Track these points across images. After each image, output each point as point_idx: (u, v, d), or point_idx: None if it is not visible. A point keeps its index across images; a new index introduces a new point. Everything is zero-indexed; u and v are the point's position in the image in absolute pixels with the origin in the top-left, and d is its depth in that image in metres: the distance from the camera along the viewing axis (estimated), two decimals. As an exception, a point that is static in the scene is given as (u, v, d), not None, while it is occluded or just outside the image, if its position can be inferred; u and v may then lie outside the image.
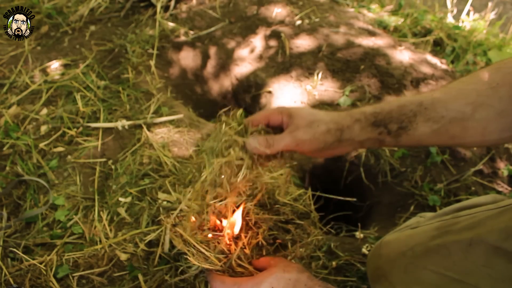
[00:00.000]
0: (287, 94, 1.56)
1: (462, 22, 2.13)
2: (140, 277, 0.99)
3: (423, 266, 0.73)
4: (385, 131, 0.71)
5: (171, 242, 1.03)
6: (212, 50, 1.79)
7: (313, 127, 0.70)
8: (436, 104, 0.69)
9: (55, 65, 1.62)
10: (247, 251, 0.84)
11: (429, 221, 0.82)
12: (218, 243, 0.84)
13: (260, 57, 1.72)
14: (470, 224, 0.70)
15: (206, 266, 0.81)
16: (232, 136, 0.72)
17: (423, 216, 0.97)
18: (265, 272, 0.76)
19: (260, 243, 0.85)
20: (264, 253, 0.86)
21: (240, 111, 0.78)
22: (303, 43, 1.69)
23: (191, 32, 1.80)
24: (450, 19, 2.16)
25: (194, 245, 0.83)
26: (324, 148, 0.72)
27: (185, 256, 0.85)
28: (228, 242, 0.84)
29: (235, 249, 0.82)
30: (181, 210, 0.95)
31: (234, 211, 0.84)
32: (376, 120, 0.71)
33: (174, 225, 0.88)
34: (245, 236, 0.84)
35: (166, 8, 1.87)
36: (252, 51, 1.75)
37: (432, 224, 0.80)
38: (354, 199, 1.22)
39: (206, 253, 0.82)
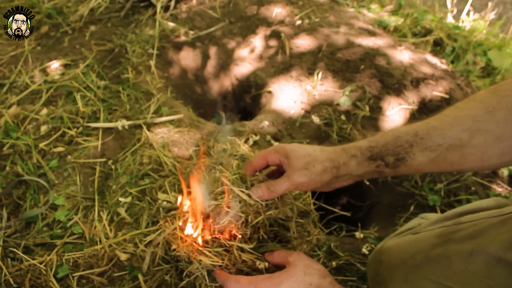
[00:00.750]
0: (287, 94, 1.56)
1: (462, 22, 2.13)
2: (140, 277, 0.99)
3: (423, 276, 0.72)
4: (383, 164, 0.71)
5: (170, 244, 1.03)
6: (212, 50, 1.79)
7: (309, 169, 0.72)
8: (432, 133, 0.68)
9: (55, 65, 1.62)
10: (248, 245, 0.83)
11: (431, 227, 0.81)
12: (218, 238, 0.84)
13: (260, 57, 1.72)
14: (472, 233, 0.68)
15: (210, 262, 0.81)
16: (228, 186, 0.77)
17: (424, 217, 0.96)
18: (284, 272, 0.73)
19: (261, 237, 0.85)
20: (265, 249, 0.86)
21: (236, 162, 0.85)
22: (303, 43, 1.69)
23: (191, 32, 1.80)
24: (450, 19, 2.16)
25: (194, 246, 0.83)
26: (322, 186, 0.75)
27: (186, 259, 0.85)
28: (227, 237, 0.84)
29: (234, 243, 0.82)
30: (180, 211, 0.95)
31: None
32: (372, 154, 0.71)
33: (174, 229, 0.88)
34: (245, 230, 0.84)
35: (166, 8, 1.87)
36: (252, 51, 1.75)
37: (433, 230, 0.79)
38: (349, 214, 1.23)
39: (207, 252, 0.82)
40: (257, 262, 0.80)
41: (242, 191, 0.77)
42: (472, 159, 0.67)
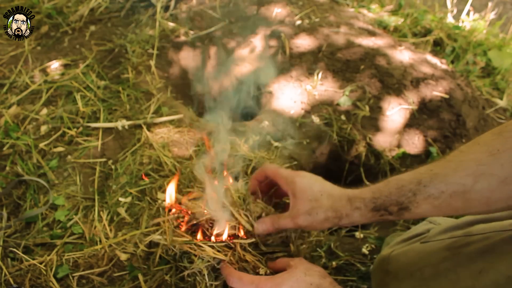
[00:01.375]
0: (287, 94, 1.56)
1: (462, 22, 2.13)
2: (140, 277, 0.99)
3: None
4: (386, 213, 0.72)
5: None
6: (212, 50, 1.79)
7: (312, 215, 0.75)
8: (435, 180, 0.67)
9: (55, 65, 1.62)
10: (249, 240, 0.84)
11: (440, 236, 0.80)
12: (218, 236, 0.85)
13: (260, 57, 1.72)
14: (483, 248, 0.68)
15: (213, 255, 0.81)
16: (237, 218, 0.84)
17: (432, 222, 0.95)
18: (285, 273, 0.74)
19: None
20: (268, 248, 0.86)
21: (242, 183, 0.90)
22: (303, 43, 1.69)
23: (191, 32, 1.80)
24: (450, 19, 2.16)
25: (196, 243, 0.83)
26: (322, 230, 0.80)
27: (188, 255, 0.86)
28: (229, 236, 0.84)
29: (236, 242, 0.83)
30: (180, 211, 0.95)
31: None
32: (375, 206, 0.72)
33: (175, 227, 0.88)
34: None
35: (166, 8, 1.87)
36: (252, 51, 1.75)
37: (443, 241, 0.78)
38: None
39: (209, 248, 0.82)
40: (259, 268, 0.81)
41: (247, 220, 0.83)
42: (477, 205, 0.65)
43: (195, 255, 0.83)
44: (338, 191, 0.76)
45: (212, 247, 0.82)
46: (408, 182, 0.70)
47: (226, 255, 0.82)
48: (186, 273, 0.86)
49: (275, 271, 0.81)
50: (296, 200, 0.77)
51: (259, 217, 0.84)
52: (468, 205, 0.66)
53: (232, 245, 0.83)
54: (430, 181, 0.68)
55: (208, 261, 0.82)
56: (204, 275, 0.84)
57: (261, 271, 0.81)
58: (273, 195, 0.91)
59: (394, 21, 1.97)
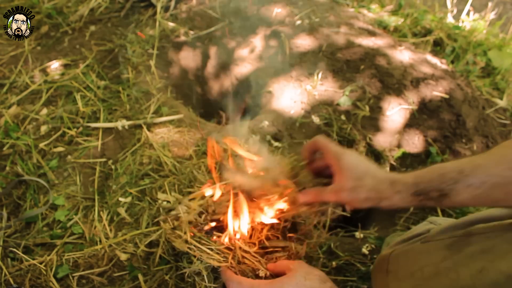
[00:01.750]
0: (287, 94, 1.56)
1: (462, 22, 2.13)
2: (140, 277, 0.99)
3: None
4: (426, 198, 0.73)
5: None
6: (212, 50, 1.79)
7: (354, 192, 0.77)
8: (476, 170, 0.69)
9: (55, 65, 1.62)
10: (251, 248, 0.84)
11: (440, 236, 0.81)
12: (219, 237, 0.85)
13: (260, 57, 1.72)
14: (483, 247, 0.68)
15: (211, 262, 0.81)
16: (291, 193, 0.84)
17: (433, 222, 0.95)
18: (285, 277, 0.75)
19: (262, 241, 0.86)
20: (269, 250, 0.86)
21: (295, 157, 0.91)
22: (303, 43, 1.69)
23: (191, 32, 1.80)
24: (450, 19, 2.15)
25: (195, 245, 0.83)
26: (362, 208, 0.80)
27: (188, 256, 0.85)
28: (231, 237, 0.84)
29: (237, 244, 0.83)
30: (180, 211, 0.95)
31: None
32: (416, 191, 0.73)
33: (174, 228, 0.88)
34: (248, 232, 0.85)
35: (166, 8, 1.87)
36: (252, 51, 1.75)
37: (443, 240, 0.78)
38: (348, 214, 1.24)
39: (209, 251, 0.82)
40: (259, 270, 0.81)
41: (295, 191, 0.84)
42: None
43: (194, 256, 0.83)
44: (381, 173, 0.78)
45: (211, 249, 0.82)
46: (450, 170, 0.71)
47: (225, 257, 0.82)
48: (186, 271, 0.86)
49: (275, 274, 0.81)
50: (341, 176, 0.78)
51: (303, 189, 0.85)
52: (508, 197, 0.68)
53: (232, 247, 0.83)
54: (472, 171, 0.69)
55: (207, 263, 0.82)
56: (203, 276, 0.84)
57: (261, 273, 0.81)
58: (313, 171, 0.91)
59: (394, 21, 1.97)
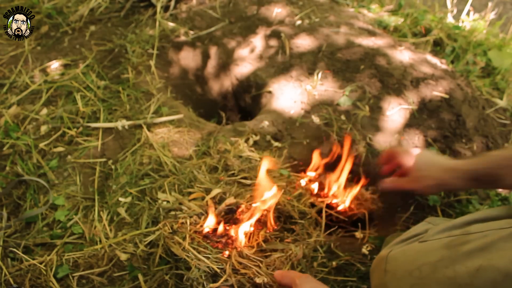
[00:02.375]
0: (287, 94, 1.56)
1: (462, 22, 2.13)
2: (140, 277, 0.99)
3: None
4: (482, 182, 0.90)
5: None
6: (212, 50, 1.79)
7: (422, 181, 1.00)
8: None
9: (55, 65, 1.62)
10: (250, 251, 0.83)
11: (438, 235, 0.81)
12: (217, 242, 0.84)
13: (260, 57, 1.72)
14: (481, 245, 0.69)
15: (210, 265, 0.81)
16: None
17: (431, 222, 0.95)
18: None
19: (260, 243, 0.86)
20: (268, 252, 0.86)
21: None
22: (303, 43, 1.69)
23: (191, 32, 1.80)
24: (450, 19, 2.15)
25: (193, 253, 0.82)
26: (430, 193, 1.14)
27: (186, 260, 0.85)
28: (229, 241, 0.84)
29: (234, 248, 0.82)
30: (180, 211, 0.95)
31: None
32: (476, 176, 0.89)
33: (172, 232, 0.88)
34: (246, 236, 0.85)
35: (166, 8, 1.87)
36: (252, 51, 1.75)
37: (441, 239, 0.79)
38: (346, 219, 1.24)
39: (205, 259, 0.81)
40: (256, 278, 0.80)
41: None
42: None
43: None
44: (445, 164, 0.98)
45: (208, 257, 0.81)
46: (508, 158, 0.84)
47: (222, 265, 0.81)
48: (184, 275, 0.86)
49: (280, 285, 0.80)
50: (413, 170, 1.02)
51: None
52: None
53: (230, 253, 0.82)
54: None
55: (205, 271, 0.82)
56: (202, 282, 0.83)
57: (259, 279, 0.80)
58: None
59: (394, 21, 1.97)
